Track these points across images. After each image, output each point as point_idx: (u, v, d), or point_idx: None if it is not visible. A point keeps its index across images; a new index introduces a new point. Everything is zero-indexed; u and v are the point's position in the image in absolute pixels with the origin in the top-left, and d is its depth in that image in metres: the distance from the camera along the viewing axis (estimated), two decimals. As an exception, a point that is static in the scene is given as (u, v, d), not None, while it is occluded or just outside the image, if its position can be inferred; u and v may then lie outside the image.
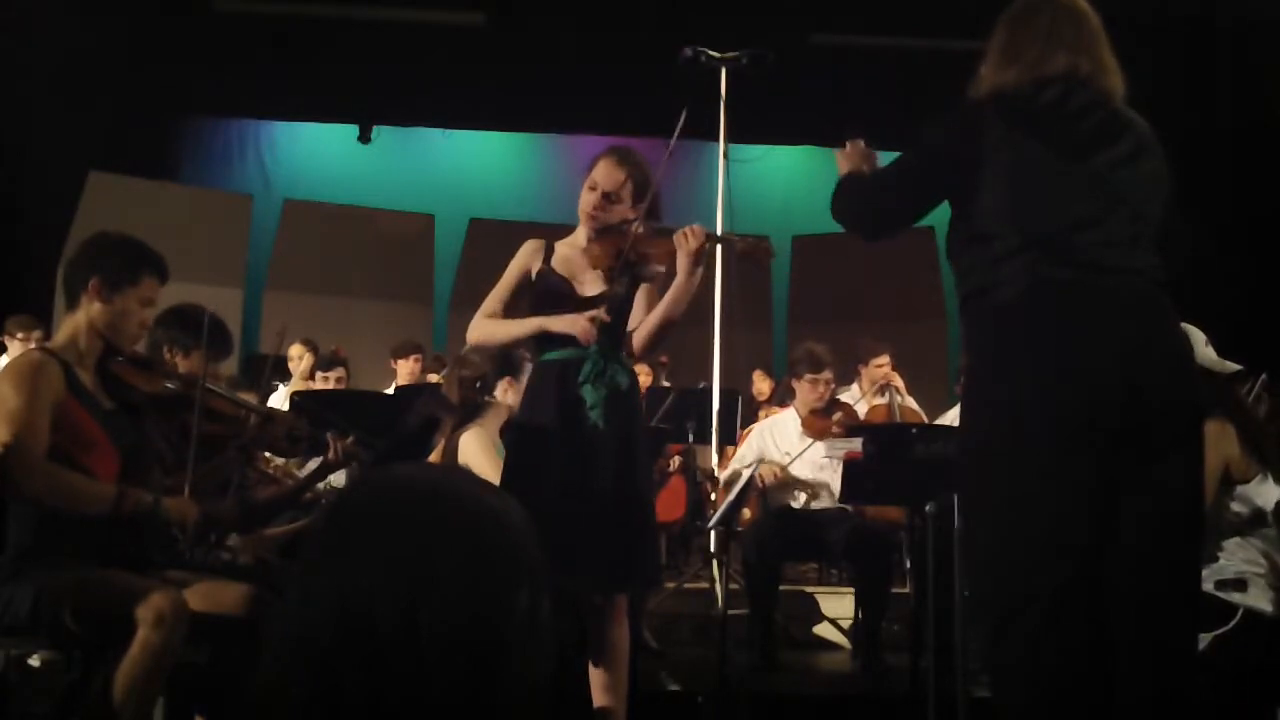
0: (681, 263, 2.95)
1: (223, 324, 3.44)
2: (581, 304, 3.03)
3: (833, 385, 5.12)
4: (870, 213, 2.41)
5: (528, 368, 4.22)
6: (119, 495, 2.61)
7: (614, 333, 3.01)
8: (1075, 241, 2.12)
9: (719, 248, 3.49)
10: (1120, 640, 2.06)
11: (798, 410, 5.08)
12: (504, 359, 4.16)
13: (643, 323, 3.05)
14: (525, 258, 3.15)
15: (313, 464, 3.60)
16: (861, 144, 2.52)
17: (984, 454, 2.16)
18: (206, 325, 3.15)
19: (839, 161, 2.52)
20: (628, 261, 3.03)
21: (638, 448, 3.01)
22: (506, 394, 4.17)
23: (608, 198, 3.06)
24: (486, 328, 3.11)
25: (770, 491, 4.98)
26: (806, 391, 5.03)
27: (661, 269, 3.06)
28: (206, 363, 3.12)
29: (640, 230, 3.01)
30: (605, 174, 3.08)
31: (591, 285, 3.06)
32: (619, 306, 3.03)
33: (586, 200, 3.08)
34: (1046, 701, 2.03)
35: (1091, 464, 2.05)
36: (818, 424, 4.99)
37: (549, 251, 3.14)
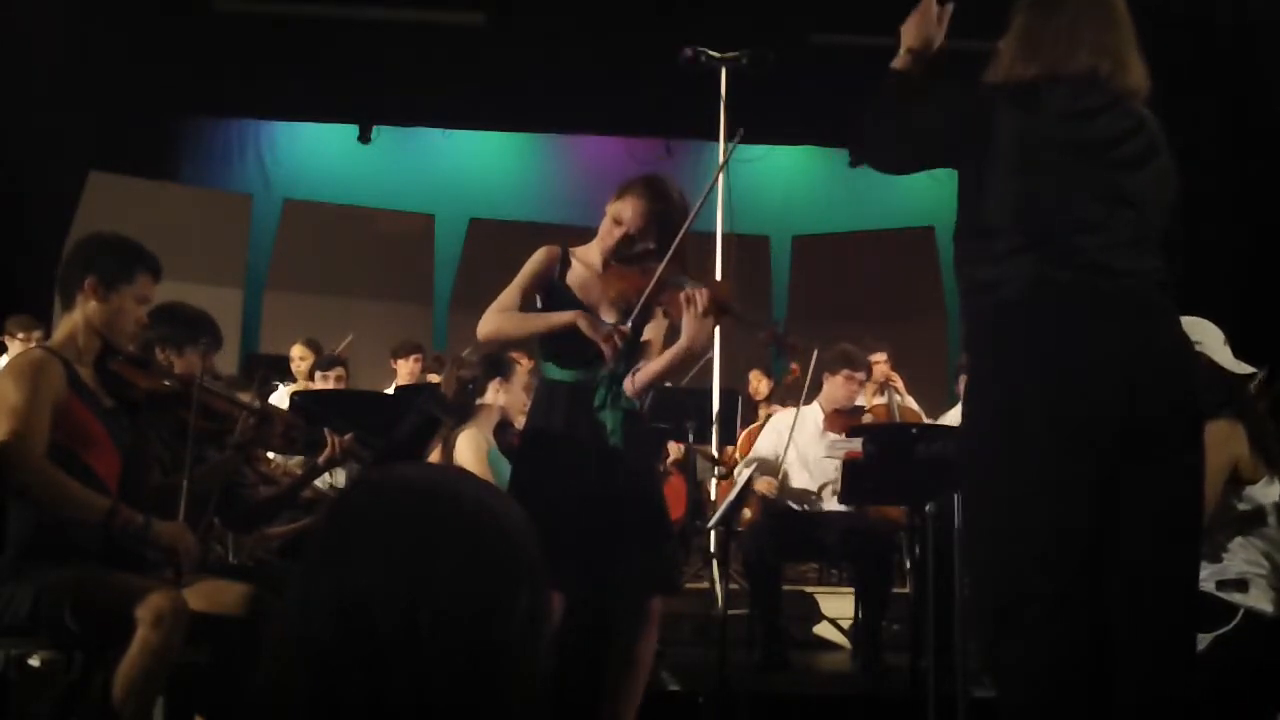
0: (688, 326, 2.83)
1: (211, 318, 3.44)
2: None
3: (862, 387, 5.10)
4: (895, 153, 2.34)
5: (518, 370, 4.22)
6: (110, 510, 2.58)
7: (627, 360, 2.99)
8: (1078, 242, 2.12)
9: (719, 257, 3.46)
10: (1120, 640, 2.06)
11: (822, 406, 5.06)
12: (493, 361, 4.16)
13: (646, 369, 2.97)
14: (543, 263, 3.02)
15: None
16: (934, 7, 2.34)
17: (984, 453, 2.16)
18: (195, 320, 3.17)
19: (904, 31, 2.35)
20: (648, 305, 2.94)
21: (652, 459, 3.10)
22: (498, 395, 4.17)
23: (629, 240, 2.95)
24: (497, 321, 2.95)
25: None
26: (839, 387, 4.99)
27: (672, 319, 3.01)
28: (204, 362, 3.12)
29: (665, 277, 2.88)
30: (633, 212, 2.93)
31: (607, 314, 3.02)
32: (633, 342, 2.99)
33: (609, 234, 2.97)
34: (1045, 700, 2.03)
35: (1091, 464, 2.05)
36: (841, 423, 4.97)
37: (565, 264, 3.04)
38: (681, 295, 2.82)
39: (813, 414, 5.06)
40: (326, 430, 3.29)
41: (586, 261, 3.05)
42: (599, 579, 2.84)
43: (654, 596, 3.00)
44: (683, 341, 2.88)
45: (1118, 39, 2.22)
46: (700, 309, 2.80)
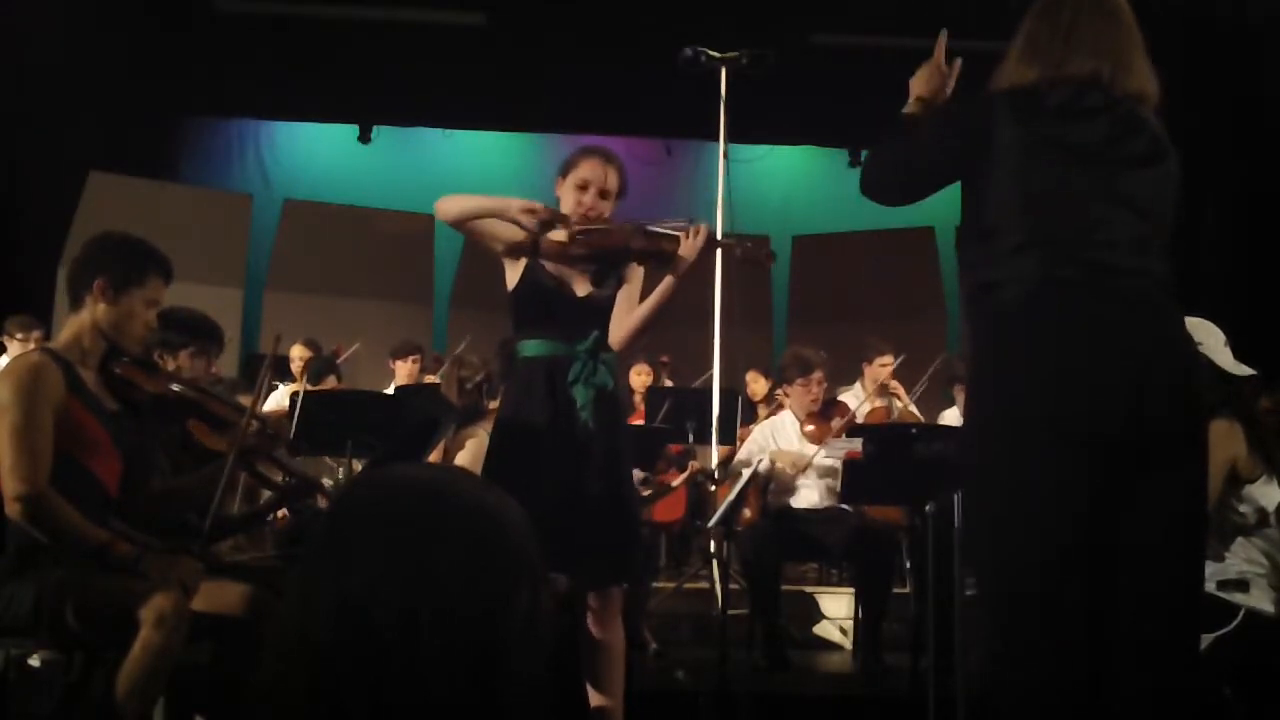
0: (681, 256, 2.91)
1: (212, 322, 3.44)
2: (575, 304, 3.01)
3: (825, 384, 5.11)
4: (889, 184, 2.39)
5: None
6: (104, 545, 2.57)
7: (602, 333, 3.01)
8: (1081, 242, 2.12)
9: (719, 252, 3.44)
10: (1122, 641, 2.06)
11: (795, 414, 5.08)
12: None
13: (630, 315, 3.03)
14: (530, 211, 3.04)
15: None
16: (941, 54, 2.44)
17: (985, 451, 2.16)
18: (193, 324, 3.16)
19: (914, 82, 2.45)
20: (616, 263, 3.03)
21: (623, 444, 3.02)
22: None
23: (602, 194, 3.03)
24: (452, 200, 3.00)
25: (772, 492, 4.99)
26: (800, 395, 5.04)
27: (642, 269, 3.07)
28: (204, 365, 3.13)
29: (632, 233, 2.98)
30: (596, 172, 3.04)
31: (581, 285, 3.05)
32: (607, 307, 3.03)
33: (579, 200, 3.02)
34: (1043, 701, 2.03)
35: (1093, 465, 2.05)
36: (818, 430, 4.99)
37: (537, 247, 3.07)
38: (681, 229, 2.93)
39: (789, 420, 5.09)
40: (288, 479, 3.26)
41: (553, 241, 3.08)
42: (562, 565, 2.82)
43: (614, 584, 2.99)
44: (671, 273, 2.94)
45: (1120, 42, 2.22)
46: (700, 242, 2.92)
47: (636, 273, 3.08)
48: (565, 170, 3.09)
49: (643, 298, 3.06)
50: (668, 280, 2.96)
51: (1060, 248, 2.12)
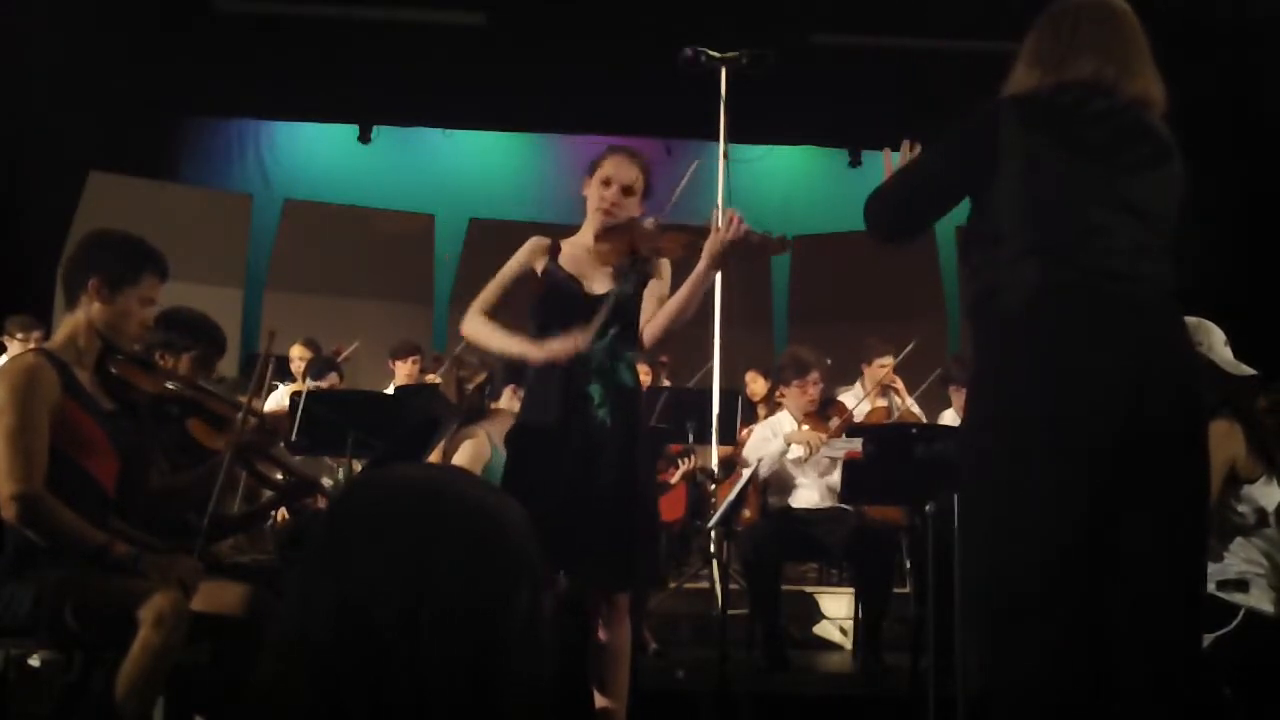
0: (710, 248, 2.91)
1: (214, 324, 3.43)
2: (588, 302, 3.01)
3: (821, 385, 5.12)
4: (892, 215, 2.38)
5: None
6: (103, 547, 2.56)
7: (622, 330, 3.00)
8: (1084, 247, 2.12)
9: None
10: (1123, 641, 2.06)
11: (793, 415, 5.08)
12: (512, 366, 4.13)
13: (659, 312, 3.05)
14: (528, 255, 3.11)
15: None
16: (915, 150, 2.47)
17: (985, 454, 2.16)
18: (194, 325, 3.16)
19: (887, 167, 2.48)
20: (638, 258, 3.05)
21: (641, 446, 3.01)
22: (513, 401, 4.13)
23: (626, 190, 3.06)
24: (480, 329, 3.07)
25: (771, 493, 4.99)
26: (797, 396, 5.04)
27: (669, 264, 3.09)
28: (205, 367, 3.12)
29: (651, 226, 3.01)
30: (620, 169, 3.08)
31: (600, 283, 3.05)
32: (626, 304, 3.03)
33: (602, 195, 3.06)
34: (1041, 703, 2.03)
35: (1093, 466, 2.05)
36: (820, 428, 4.99)
37: (555, 250, 3.11)
38: (716, 217, 2.93)
39: (786, 421, 5.09)
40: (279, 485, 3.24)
41: (578, 242, 3.13)
42: (566, 564, 2.83)
43: (614, 589, 2.96)
44: (702, 265, 2.94)
45: (1124, 47, 2.22)
46: (736, 233, 2.90)
47: (664, 269, 3.11)
48: (592, 169, 3.14)
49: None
50: (696, 272, 2.95)
51: (1062, 253, 2.12)
